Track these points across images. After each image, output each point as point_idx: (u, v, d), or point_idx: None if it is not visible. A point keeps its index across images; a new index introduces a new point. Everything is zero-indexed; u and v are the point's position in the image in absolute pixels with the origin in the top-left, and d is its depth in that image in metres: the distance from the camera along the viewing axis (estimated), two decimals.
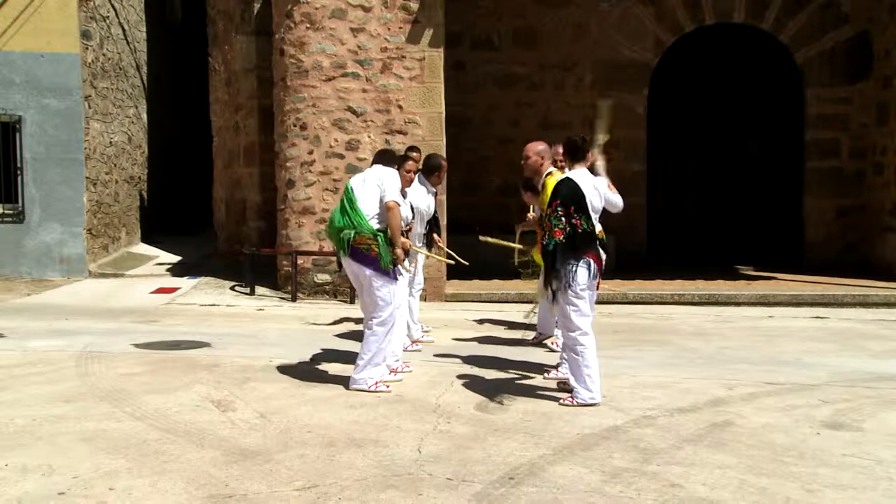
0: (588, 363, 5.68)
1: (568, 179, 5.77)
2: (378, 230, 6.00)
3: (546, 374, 6.50)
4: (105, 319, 9.39)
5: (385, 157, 6.42)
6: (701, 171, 14.79)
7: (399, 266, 6.20)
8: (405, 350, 7.08)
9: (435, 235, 7.97)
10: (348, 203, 6.08)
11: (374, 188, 6.07)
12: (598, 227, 6.08)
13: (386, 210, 6.01)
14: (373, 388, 6.01)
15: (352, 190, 6.12)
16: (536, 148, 6.41)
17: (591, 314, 5.85)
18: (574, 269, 5.65)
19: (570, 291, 5.65)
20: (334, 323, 9.22)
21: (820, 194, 12.94)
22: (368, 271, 6.02)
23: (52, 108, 12.49)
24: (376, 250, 5.96)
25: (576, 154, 5.94)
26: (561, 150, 6.87)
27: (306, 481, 4.27)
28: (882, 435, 5.07)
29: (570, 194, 5.68)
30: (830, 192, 12.89)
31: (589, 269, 5.70)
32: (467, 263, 7.90)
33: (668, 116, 14.06)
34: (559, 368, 6.40)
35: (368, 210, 6.04)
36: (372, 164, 6.43)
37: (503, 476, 4.34)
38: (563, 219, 5.62)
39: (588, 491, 4.15)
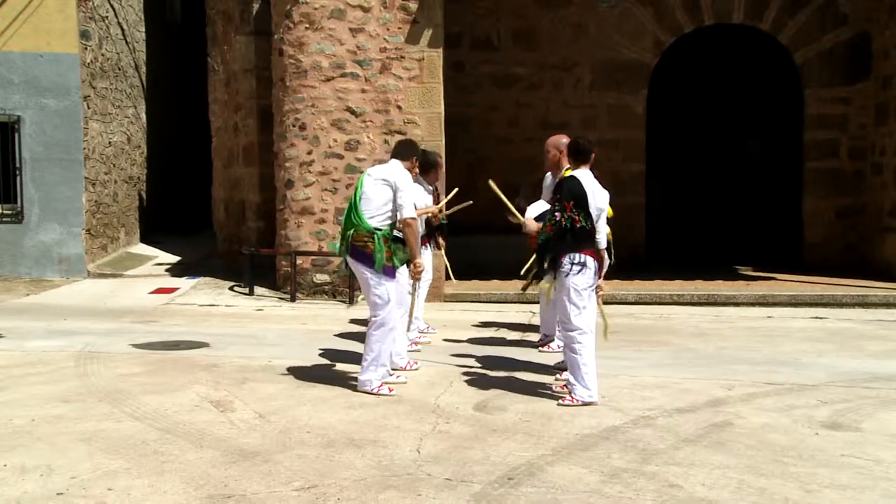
0: (586, 362, 5.69)
1: (572, 177, 5.80)
2: (376, 229, 5.96)
3: (559, 376, 6.43)
4: (104, 320, 9.39)
5: (404, 150, 6.24)
6: (700, 172, 14.80)
7: (405, 271, 6.22)
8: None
9: (440, 238, 7.96)
10: (354, 200, 6.07)
11: (383, 187, 5.98)
12: (607, 229, 6.03)
13: (404, 227, 5.94)
14: (376, 391, 6.00)
15: (360, 186, 6.09)
16: (558, 142, 6.40)
17: (593, 313, 5.86)
18: (570, 266, 5.67)
19: (572, 290, 5.67)
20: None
21: (819, 194, 12.93)
22: (364, 270, 5.99)
23: (51, 109, 12.49)
24: (371, 248, 5.93)
25: (580, 155, 5.93)
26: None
27: (305, 481, 4.27)
28: (881, 435, 5.08)
29: (572, 191, 5.72)
30: (830, 193, 12.89)
31: (587, 268, 5.71)
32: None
33: (668, 117, 14.06)
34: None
35: (370, 207, 5.98)
36: (391, 156, 6.30)
37: (502, 476, 4.34)
38: (558, 214, 5.67)
39: (587, 491, 4.15)
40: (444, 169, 7.98)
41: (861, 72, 12.75)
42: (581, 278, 5.70)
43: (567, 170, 6.32)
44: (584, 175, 5.85)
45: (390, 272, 5.98)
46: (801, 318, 9.55)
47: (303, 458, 4.63)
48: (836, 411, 5.58)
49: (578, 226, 5.67)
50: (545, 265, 5.82)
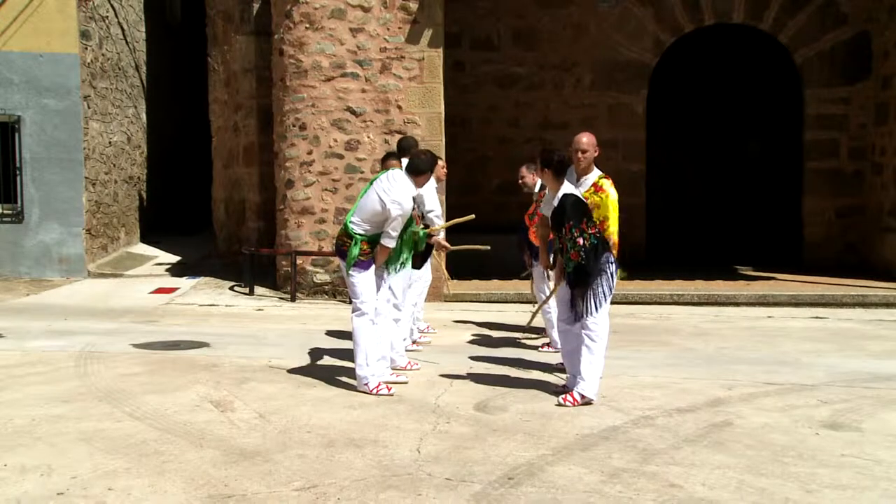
0: (600, 357, 5.73)
1: (567, 195, 5.75)
2: (357, 234, 6.00)
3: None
4: (104, 319, 9.39)
5: (416, 168, 6.16)
6: (700, 172, 14.80)
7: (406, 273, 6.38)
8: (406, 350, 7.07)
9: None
10: (357, 200, 6.20)
11: (374, 199, 5.98)
12: None
13: (379, 246, 6.02)
14: (375, 391, 6.00)
15: (366, 189, 6.14)
16: (593, 140, 6.21)
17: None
18: (608, 266, 5.72)
19: (606, 286, 5.72)
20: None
21: (819, 195, 12.93)
22: (342, 264, 6.13)
23: (51, 109, 12.49)
24: (348, 246, 6.01)
25: (561, 169, 5.83)
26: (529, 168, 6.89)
27: (305, 481, 4.27)
28: (881, 435, 5.08)
29: (577, 210, 5.69)
30: (829, 193, 12.89)
31: (615, 265, 5.78)
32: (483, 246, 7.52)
33: (668, 116, 14.07)
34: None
35: (362, 214, 6.04)
36: (406, 170, 6.23)
37: (502, 476, 4.34)
38: (580, 239, 5.63)
39: (587, 491, 4.15)
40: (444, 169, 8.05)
41: (861, 72, 12.75)
42: (614, 281, 5.79)
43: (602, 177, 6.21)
44: (570, 188, 5.85)
45: (362, 265, 6.03)
46: (802, 318, 9.55)
47: (303, 457, 4.63)
48: (836, 411, 5.58)
49: (598, 236, 5.71)
50: (579, 290, 5.76)
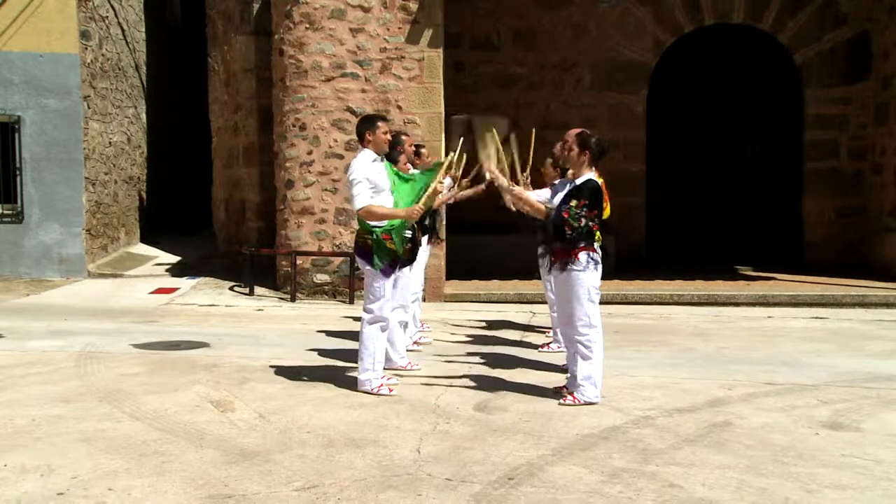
0: (599, 361, 5.71)
1: (593, 180, 5.75)
2: (372, 227, 5.99)
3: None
4: (104, 320, 9.39)
5: (357, 131, 6.18)
6: (700, 172, 14.79)
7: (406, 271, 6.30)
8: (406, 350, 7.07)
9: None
10: None
11: (349, 187, 6.02)
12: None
13: (360, 218, 5.95)
14: (376, 391, 6.00)
15: None
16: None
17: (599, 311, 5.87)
18: (587, 262, 5.69)
19: (591, 289, 5.69)
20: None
21: (819, 195, 12.94)
22: (364, 265, 6.08)
23: (51, 109, 12.50)
24: (370, 244, 5.98)
25: (602, 156, 5.85)
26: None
27: (305, 481, 4.27)
28: (881, 435, 5.08)
29: (594, 197, 5.68)
30: (829, 193, 12.90)
31: (600, 265, 5.75)
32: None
33: (668, 116, 14.06)
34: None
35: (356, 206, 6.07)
36: None
37: (502, 476, 4.34)
38: (583, 219, 5.62)
39: (587, 491, 4.15)
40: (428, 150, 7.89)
41: (861, 72, 12.75)
42: (596, 276, 5.74)
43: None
44: (595, 176, 5.84)
45: (387, 272, 6.00)
46: (801, 318, 9.55)
47: (303, 458, 4.63)
48: (837, 411, 5.58)
49: (596, 229, 5.71)
50: (548, 257, 5.76)
